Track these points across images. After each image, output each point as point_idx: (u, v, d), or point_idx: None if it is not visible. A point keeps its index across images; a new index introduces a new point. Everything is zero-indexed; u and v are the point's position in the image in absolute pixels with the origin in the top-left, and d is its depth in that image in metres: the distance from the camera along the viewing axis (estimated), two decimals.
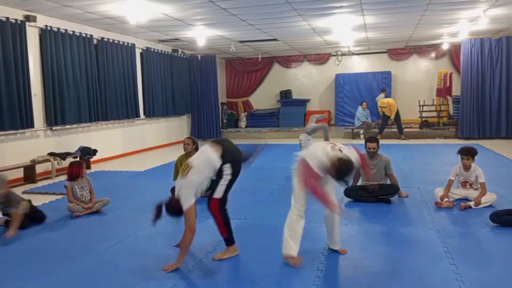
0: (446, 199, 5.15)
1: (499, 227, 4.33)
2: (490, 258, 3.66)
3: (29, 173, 7.63)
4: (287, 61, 16.66)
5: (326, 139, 7.67)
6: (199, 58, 14.12)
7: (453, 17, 9.68)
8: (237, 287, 3.25)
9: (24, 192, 6.85)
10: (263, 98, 17.03)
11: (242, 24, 9.62)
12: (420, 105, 13.84)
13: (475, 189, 5.22)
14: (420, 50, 15.18)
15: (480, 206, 4.98)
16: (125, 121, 10.77)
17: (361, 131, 12.79)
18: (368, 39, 12.64)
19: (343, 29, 10.48)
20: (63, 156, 8.17)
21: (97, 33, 9.59)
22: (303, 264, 3.48)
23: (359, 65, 16.05)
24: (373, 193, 5.45)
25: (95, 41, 9.54)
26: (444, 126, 13.26)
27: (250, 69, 16.95)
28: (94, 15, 8.32)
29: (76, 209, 5.19)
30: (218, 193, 3.53)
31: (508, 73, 11.76)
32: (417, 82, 15.30)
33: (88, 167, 8.58)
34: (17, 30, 7.47)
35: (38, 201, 6.13)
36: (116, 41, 10.22)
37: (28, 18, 7.75)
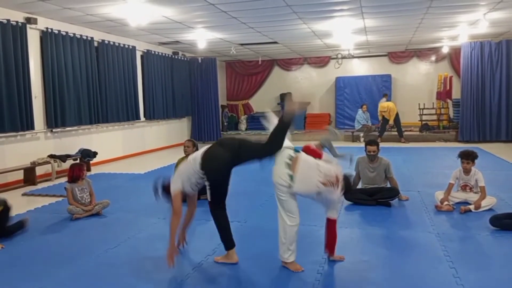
0: (446, 203, 5.15)
1: (499, 230, 4.32)
2: (490, 261, 3.65)
3: (29, 175, 7.62)
4: (287, 64, 16.68)
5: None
6: (200, 61, 14.14)
7: (453, 20, 9.70)
8: None
9: (24, 194, 6.86)
10: (263, 101, 17.03)
11: (242, 27, 9.63)
12: (420, 108, 13.85)
13: (475, 192, 5.22)
14: (420, 53, 15.19)
15: (480, 209, 4.98)
16: (125, 124, 10.78)
17: (361, 134, 12.80)
18: (368, 42, 12.66)
19: (343, 32, 10.51)
20: (63, 158, 8.17)
21: (97, 36, 9.61)
22: (303, 268, 3.48)
23: (359, 68, 16.06)
24: (372, 196, 5.45)
25: (95, 44, 9.56)
26: (444, 129, 13.26)
27: (250, 72, 16.97)
28: (94, 18, 8.34)
29: (76, 211, 5.19)
30: (208, 196, 3.60)
31: (508, 76, 11.78)
32: (417, 85, 15.31)
33: (88, 169, 8.57)
34: (18, 32, 7.48)
35: (38, 203, 6.15)
36: (117, 44, 10.23)
37: (29, 20, 7.77)
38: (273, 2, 7.51)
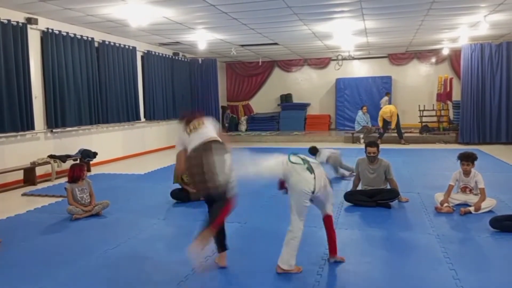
0: (446, 204, 5.14)
1: (499, 232, 4.32)
2: (490, 263, 3.65)
3: (29, 175, 7.62)
4: (287, 65, 16.69)
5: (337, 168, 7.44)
6: (200, 62, 14.15)
7: (453, 22, 9.71)
8: None
9: (24, 194, 6.86)
10: (263, 102, 17.05)
11: (243, 28, 9.64)
12: (420, 110, 13.86)
13: (475, 194, 5.22)
14: (421, 55, 15.21)
15: (480, 211, 4.98)
16: (125, 124, 10.78)
17: (361, 136, 12.79)
18: (368, 44, 12.67)
19: (343, 33, 10.52)
20: (63, 158, 8.17)
21: (98, 36, 9.61)
22: (302, 269, 3.47)
23: (360, 69, 16.08)
24: (372, 197, 5.46)
25: (96, 44, 9.56)
26: (444, 131, 13.26)
27: (250, 73, 16.98)
28: (95, 18, 8.34)
29: (76, 212, 5.18)
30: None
31: (508, 78, 11.78)
32: (417, 87, 15.32)
33: (88, 170, 8.57)
34: (19, 32, 7.49)
35: (38, 203, 6.14)
36: (117, 44, 10.24)
37: (29, 20, 7.77)
38: (274, 4, 7.51)
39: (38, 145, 8.14)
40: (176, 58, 13.25)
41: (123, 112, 10.49)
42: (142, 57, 11.57)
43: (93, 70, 9.35)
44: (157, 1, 7.15)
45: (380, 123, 12.39)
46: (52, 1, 7.05)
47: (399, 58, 15.49)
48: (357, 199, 5.52)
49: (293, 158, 3.39)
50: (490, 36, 11.45)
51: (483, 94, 11.92)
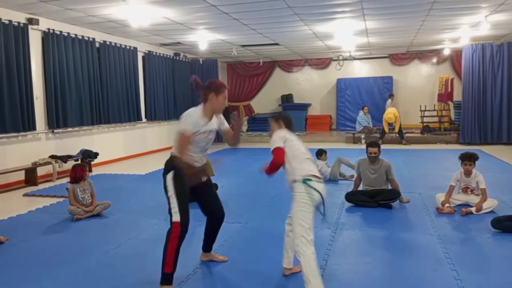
0: (447, 205, 5.14)
1: (501, 233, 4.32)
2: (491, 264, 3.65)
3: (31, 176, 7.63)
4: (288, 65, 16.69)
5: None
6: (201, 62, 14.16)
7: (454, 22, 9.70)
8: None
9: (25, 195, 6.87)
10: (264, 102, 17.04)
11: (244, 28, 9.64)
12: (421, 110, 13.85)
13: (476, 194, 5.21)
14: (422, 55, 15.20)
15: (481, 211, 4.97)
16: (126, 124, 10.78)
17: (362, 136, 12.79)
18: (369, 44, 12.66)
19: (344, 34, 10.51)
20: (64, 159, 8.18)
21: (99, 37, 9.62)
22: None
23: (361, 70, 16.07)
24: (373, 197, 5.45)
25: (97, 45, 9.57)
26: (446, 131, 13.25)
27: (251, 73, 16.98)
28: (96, 19, 8.35)
29: (77, 212, 5.19)
30: None
31: (509, 78, 11.77)
32: (418, 87, 15.31)
33: (89, 170, 8.56)
34: (20, 33, 7.50)
35: (39, 203, 6.15)
36: (118, 45, 10.25)
37: (30, 21, 7.78)
38: (275, 4, 7.51)
39: (40, 145, 8.15)
40: (177, 58, 13.26)
41: (124, 113, 10.50)
42: (143, 57, 11.58)
43: (94, 71, 9.36)
44: (158, 2, 7.15)
45: (386, 128, 12.38)
46: (53, 2, 7.06)
47: (400, 58, 15.48)
48: (358, 199, 5.52)
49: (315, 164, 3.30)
50: (491, 36, 11.44)
51: (484, 94, 11.92)
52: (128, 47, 10.62)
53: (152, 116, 11.83)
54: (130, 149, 10.94)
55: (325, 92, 16.52)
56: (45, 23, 8.14)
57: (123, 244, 4.30)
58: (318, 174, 3.12)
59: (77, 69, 8.85)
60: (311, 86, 16.64)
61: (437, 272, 3.43)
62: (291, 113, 16.78)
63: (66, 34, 8.55)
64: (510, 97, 11.82)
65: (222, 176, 6.91)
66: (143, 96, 11.55)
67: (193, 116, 3.28)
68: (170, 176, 3.28)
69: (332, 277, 3.43)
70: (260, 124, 16.32)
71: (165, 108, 12.47)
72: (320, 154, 7.32)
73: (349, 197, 5.60)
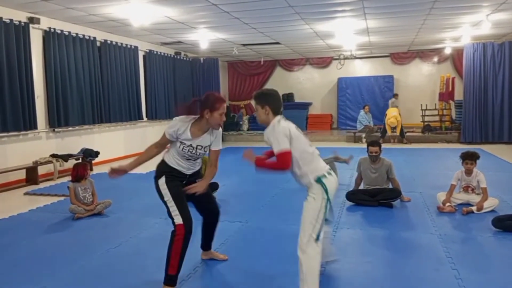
0: (448, 204, 5.13)
1: (501, 232, 4.31)
2: (492, 263, 3.64)
3: (31, 175, 7.64)
4: (289, 64, 16.69)
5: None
6: (202, 61, 14.15)
7: (455, 21, 9.68)
8: None
9: (26, 194, 6.87)
10: None
11: (245, 27, 9.64)
12: (422, 109, 13.83)
13: (477, 194, 5.21)
14: (423, 54, 15.18)
15: (482, 211, 4.97)
16: (127, 123, 10.79)
17: (363, 135, 12.78)
18: (370, 43, 12.65)
19: (345, 33, 10.51)
20: (65, 157, 8.18)
21: (100, 36, 9.62)
22: None
23: (362, 69, 16.06)
24: (374, 196, 5.45)
25: (98, 44, 9.57)
26: (447, 130, 13.24)
27: (252, 72, 16.98)
28: (97, 18, 8.35)
29: (78, 211, 5.19)
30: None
31: (510, 77, 11.75)
32: (419, 86, 15.30)
33: (90, 169, 8.58)
34: (21, 32, 7.50)
35: (40, 202, 6.16)
36: (119, 44, 10.25)
37: (31, 20, 7.79)
38: (276, 3, 7.51)
39: (40, 144, 8.16)
40: (178, 57, 13.26)
41: (125, 112, 10.50)
42: (144, 56, 11.58)
43: (95, 70, 9.36)
44: (159, 1, 7.15)
45: (389, 131, 12.35)
46: (54, 1, 7.06)
47: (401, 57, 15.47)
48: (359, 198, 5.52)
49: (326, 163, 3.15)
50: (492, 35, 11.43)
51: (485, 93, 11.90)
52: (129, 46, 10.62)
53: (153, 115, 11.84)
54: (131, 148, 10.94)
55: (326, 91, 16.51)
56: (46, 22, 8.14)
57: (124, 243, 4.30)
58: (327, 167, 3.01)
59: (78, 68, 8.85)
60: (312, 85, 16.63)
61: (438, 272, 3.43)
62: (292, 112, 16.92)
63: (67, 33, 8.56)
64: (511, 96, 11.80)
65: (223, 176, 6.91)
66: (144, 95, 11.55)
67: (178, 125, 3.27)
68: (162, 181, 3.28)
69: (332, 276, 3.43)
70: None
71: (166, 107, 12.47)
72: None
73: (350, 196, 5.60)
